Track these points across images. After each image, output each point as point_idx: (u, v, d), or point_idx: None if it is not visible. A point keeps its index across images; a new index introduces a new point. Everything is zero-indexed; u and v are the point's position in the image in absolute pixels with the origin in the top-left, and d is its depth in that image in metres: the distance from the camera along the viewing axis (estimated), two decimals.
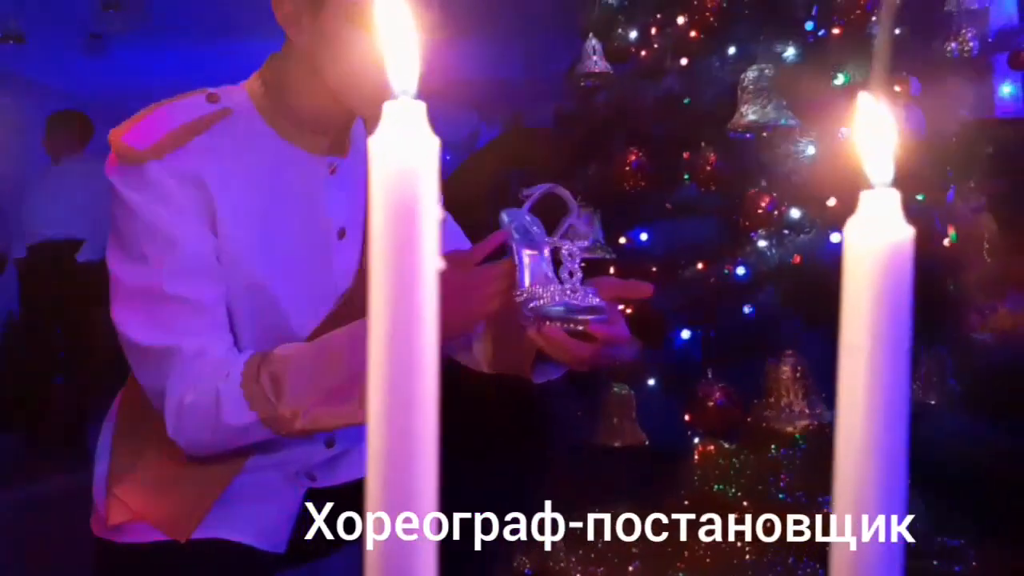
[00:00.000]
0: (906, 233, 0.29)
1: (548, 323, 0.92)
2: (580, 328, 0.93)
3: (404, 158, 0.26)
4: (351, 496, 1.21)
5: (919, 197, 1.89)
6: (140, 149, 1.00)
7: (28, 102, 5.86)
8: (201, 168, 1.02)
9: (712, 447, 2.01)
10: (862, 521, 0.28)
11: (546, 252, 0.97)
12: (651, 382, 2.20)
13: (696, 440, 2.00)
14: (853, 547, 0.27)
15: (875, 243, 0.28)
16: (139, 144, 1.00)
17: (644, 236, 2.31)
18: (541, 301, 0.93)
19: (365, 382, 0.85)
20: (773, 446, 1.88)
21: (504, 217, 0.99)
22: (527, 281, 0.95)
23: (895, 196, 0.29)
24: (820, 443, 1.89)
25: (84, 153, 4.13)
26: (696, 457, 2.02)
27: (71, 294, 3.87)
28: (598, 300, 0.97)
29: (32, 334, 4.23)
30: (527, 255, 0.96)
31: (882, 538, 0.27)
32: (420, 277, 0.26)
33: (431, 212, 0.27)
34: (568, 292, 0.94)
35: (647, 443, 2.05)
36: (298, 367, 0.97)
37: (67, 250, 3.97)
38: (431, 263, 0.27)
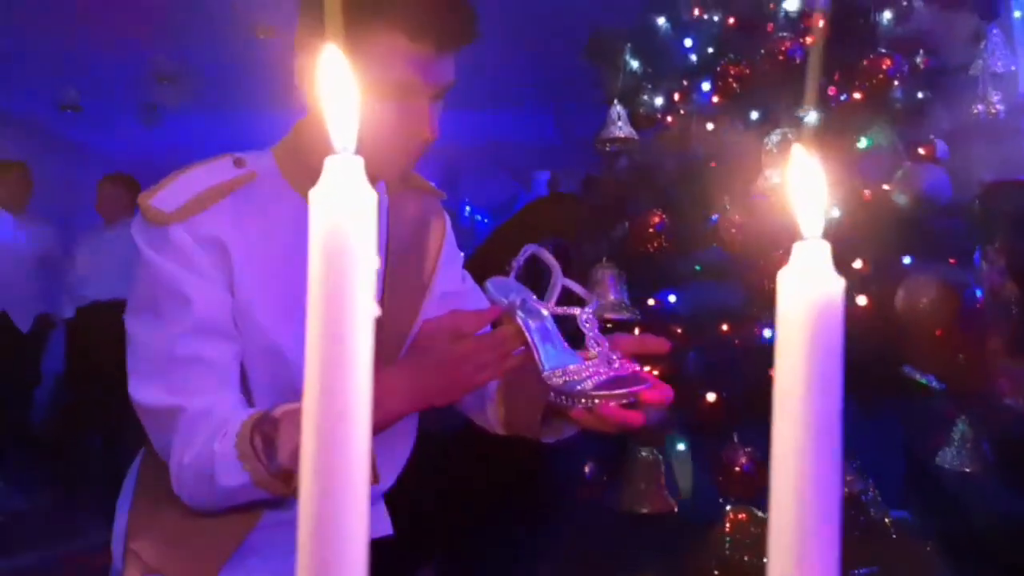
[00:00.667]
0: (837, 284, 0.29)
1: (597, 400, 0.90)
2: (633, 400, 0.91)
3: (340, 210, 0.27)
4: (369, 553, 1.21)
5: (951, 260, 1.87)
6: (167, 212, 1.03)
7: (83, 167, 6.11)
8: (222, 231, 1.05)
9: (743, 514, 1.96)
10: (796, 562, 0.27)
11: (549, 322, 0.97)
12: (680, 447, 2.17)
13: (727, 507, 1.95)
14: None
15: (807, 294, 0.29)
16: (166, 207, 1.04)
17: (672, 298, 2.31)
18: (585, 382, 0.91)
19: None
20: None
21: (490, 287, 0.98)
22: (546, 358, 0.94)
23: (826, 248, 0.30)
24: (854, 512, 1.83)
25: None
26: (727, 525, 1.97)
27: (116, 356, 3.94)
28: (633, 364, 0.97)
29: (75, 395, 4.31)
30: (536, 329, 0.95)
31: None
32: (353, 323, 0.27)
33: (366, 262, 0.28)
34: (604, 364, 0.93)
35: (676, 510, 2.01)
36: (289, 429, 0.96)
37: (115, 311, 4.06)
38: (365, 310, 0.28)
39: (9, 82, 5.25)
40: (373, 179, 1.13)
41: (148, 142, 5.97)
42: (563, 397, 0.92)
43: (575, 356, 0.95)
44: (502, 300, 0.95)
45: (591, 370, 0.92)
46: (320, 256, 0.27)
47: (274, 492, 0.98)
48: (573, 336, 0.96)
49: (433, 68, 1.02)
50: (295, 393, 1.10)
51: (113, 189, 4.32)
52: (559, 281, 0.97)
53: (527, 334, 0.94)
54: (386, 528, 1.22)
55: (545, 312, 0.96)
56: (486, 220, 7.96)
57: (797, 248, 0.30)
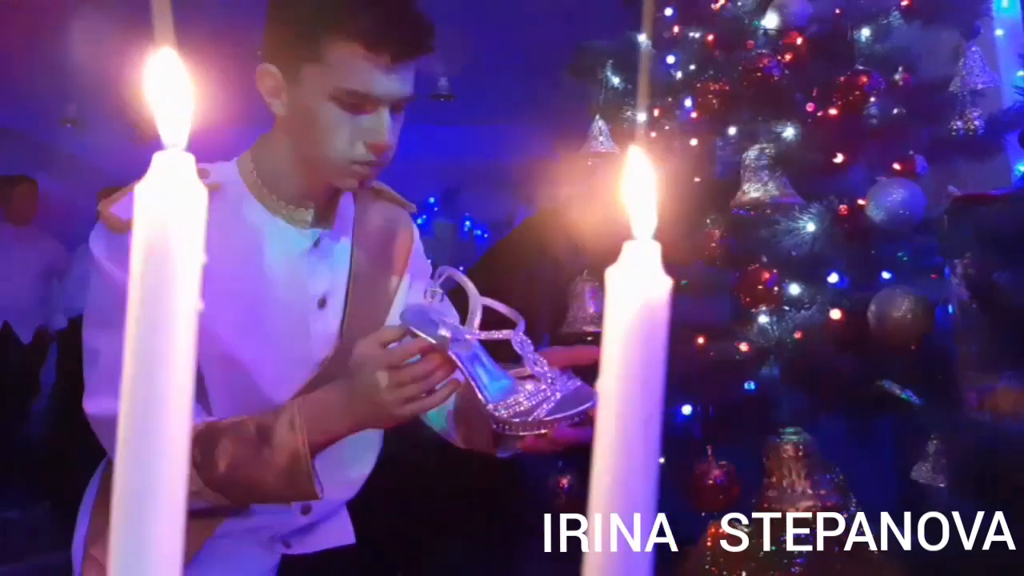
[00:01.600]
0: (664, 284, 0.29)
1: (549, 426, 0.89)
2: (584, 417, 0.90)
3: (165, 206, 0.28)
4: (326, 564, 1.21)
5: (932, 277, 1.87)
6: (124, 219, 1.04)
7: (79, 181, 6.14)
8: None
9: (722, 529, 1.95)
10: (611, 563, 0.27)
11: (478, 348, 0.94)
12: (660, 460, 2.16)
13: (709, 521, 1.94)
14: None
15: (634, 292, 0.29)
16: (124, 214, 1.05)
17: None
18: (537, 410, 0.89)
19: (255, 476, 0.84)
20: (787, 530, 1.82)
21: (409, 319, 0.94)
22: (486, 391, 0.92)
23: (656, 248, 0.30)
24: (835, 527, 1.82)
25: None
26: (708, 540, 1.96)
27: None
28: (574, 378, 0.96)
29: (65, 404, 4.32)
30: (467, 360, 0.93)
31: None
32: (174, 317, 0.28)
33: (191, 257, 0.28)
34: (549, 386, 0.91)
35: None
36: (227, 445, 0.98)
37: None
38: (188, 304, 0.28)
39: (10, 96, 5.30)
40: (331, 189, 1.13)
41: (143, 161, 5.98)
42: (508, 427, 0.91)
43: (510, 379, 0.94)
44: (432, 334, 0.91)
45: (539, 396, 0.91)
46: (142, 251, 0.28)
47: (212, 502, 0.99)
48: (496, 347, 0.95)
49: (389, 78, 1.03)
50: (255, 395, 1.11)
51: None
52: (478, 305, 0.95)
53: (463, 369, 0.93)
54: (348, 537, 1.22)
55: (469, 337, 0.94)
56: (486, 235, 8.00)
57: (626, 247, 0.30)
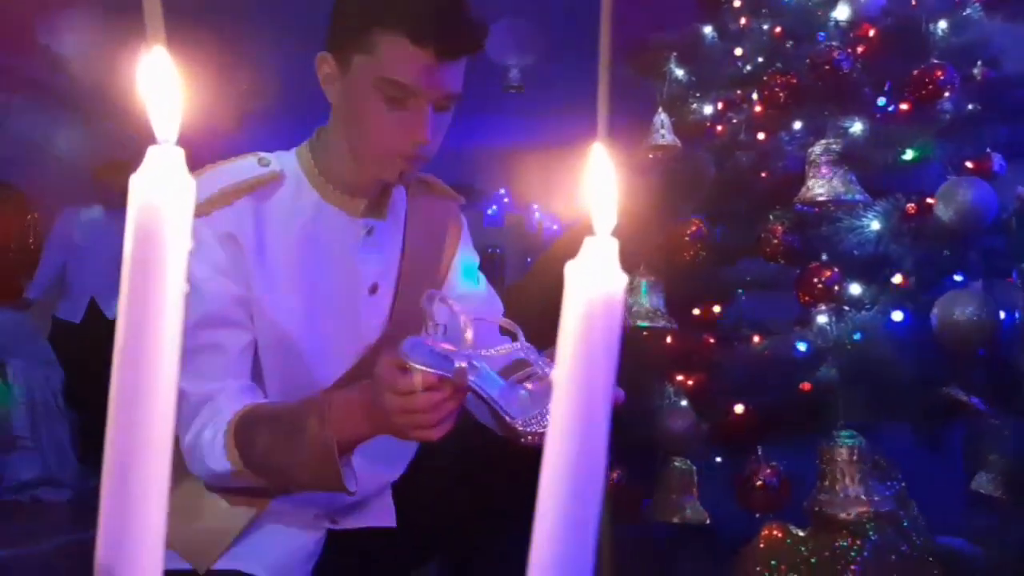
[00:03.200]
0: (619, 281, 0.30)
1: None
2: None
3: (156, 195, 0.30)
4: (371, 541, 1.25)
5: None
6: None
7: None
8: (239, 229, 1.10)
9: (779, 532, 1.92)
10: (557, 552, 0.29)
11: (483, 368, 0.93)
12: (718, 459, 2.13)
13: (762, 523, 1.92)
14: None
15: (590, 287, 0.30)
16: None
17: (716, 308, 2.28)
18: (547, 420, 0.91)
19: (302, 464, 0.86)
20: (842, 535, 1.78)
21: (411, 356, 0.89)
22: (509, 408, 0.92)
23: (614, 244, 0.31)
24: (890, 533, 1.77)
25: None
26: (761, 542, 1.93)
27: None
28: None
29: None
30: (484, 384, 0.93)
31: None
32: (162, 301, 0.30)
33: (178, 243, 0.30)
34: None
35: (708, 522, 1.98)
36: (264, 431, 1.01)
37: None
38: (175, 289, 0.30)
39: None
40: (374, 181, 1.16)
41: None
42: (539, 439, 0.91)
43: (519, 387, 0.94)
44: (447, 368, 0.89)
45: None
46: (134, 237, 0.30)
47: (253, 482, 1.03)
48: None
49: (433, 74, 1.05)
50: (306, 378, 1.15)
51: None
52: (468, 323, 0.91)
53: (483, 394, 0.93)
54: (389, 519, 1.25)
55: (480, 363, 0.92)
56: (555, 226, 8.00)
57: (587, 243, 0.31)
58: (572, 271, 0.31)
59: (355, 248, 1.19)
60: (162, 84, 0.31)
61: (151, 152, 0.31)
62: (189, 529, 1.16)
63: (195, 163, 0.31)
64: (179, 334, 0.31)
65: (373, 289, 1.21)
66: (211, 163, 1.13)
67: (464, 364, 0.89)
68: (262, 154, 1.18)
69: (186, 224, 0.31)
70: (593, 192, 0.32)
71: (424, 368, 0.88)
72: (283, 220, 1.15)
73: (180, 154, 0.31)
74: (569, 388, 0.29)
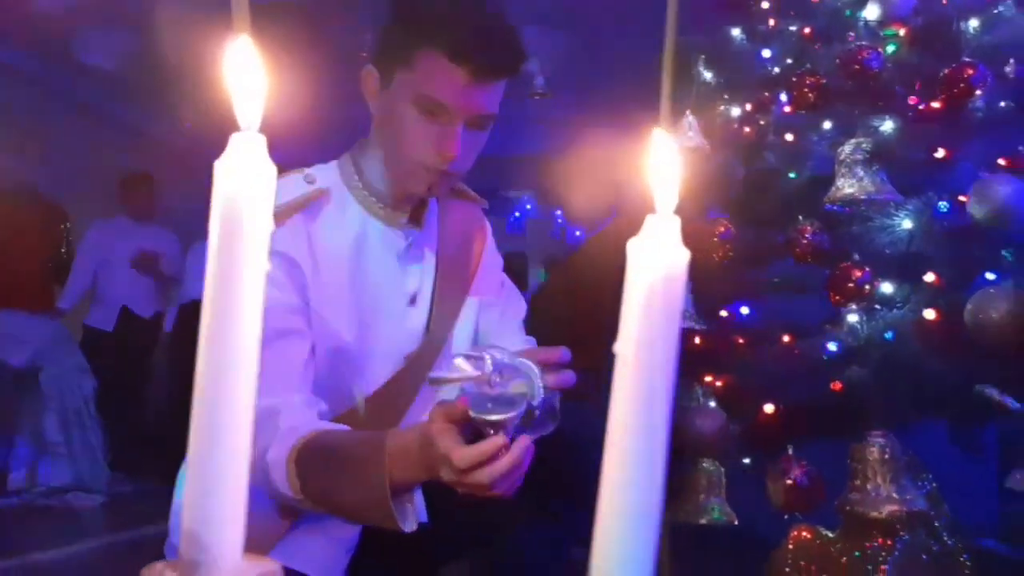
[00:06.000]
0: (682, 256, 0.31)
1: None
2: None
3: (239, 180, 0.32)
4: (405, 539, 1.26)
5: None
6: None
7: (193, 178, 6.45)
8: (294, 248, 1.13)
9: (808, 532, 1.92)
10: (622, 525, 0.30)
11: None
12: (746, 460, 2.13)
13: (791, 524, 1.91)
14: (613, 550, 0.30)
15: (654, 263, 0.31)
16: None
17: (745, 309, 2.28)
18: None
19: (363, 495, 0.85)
20: (872, 535, 1.77)
21: (476, 407, 0.91)
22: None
23: (676, 222, 0.32)
24: (921, 533, 1.76)
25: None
26: (790, 543, 1.92)
27: None
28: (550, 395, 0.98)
29: (180, 390, 4.56)
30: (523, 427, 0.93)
31: (635, 550, 0.29)
32: (246, 282, 0.32)
33: (261, 224, 0.32)
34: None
35: (736, 523, 1.98)
36: (318, 466, 1.02)
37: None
38: (257, 269, 0.32)
39: (131, 96, 5.62)
40: (406, 193, 1.18)
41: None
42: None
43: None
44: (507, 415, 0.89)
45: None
46: (219, 220, 0.32)
47: (313, 510, 1.05)
48: None
49: (468, 92, 1.07)
50: (351, 385, 1.17)
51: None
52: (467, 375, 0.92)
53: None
54: (422, 515, 1.27)
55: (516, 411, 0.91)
56: (579, 232, 7.98)
57: (649, 220, 0.32)
58: (634, 249, 0.32)
59: (397, 260, 1.22)
60: (246, 72, 0.33)
61: (234, 138, 0.33)
62: None
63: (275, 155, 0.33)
64: (261, 313, 0.32)
65: (412, 300, 1.23)
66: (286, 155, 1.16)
67: (515, 412, 0.89)
68: (307, 170, 1.21)
69: (267, 207, 0.32)
70: (655, 173, 0.33)
71: (490, 417, 0.88)
72: (333, 236, 1.17)
73: (262, 140, 0.33)
74: (633, 364, 0.31)
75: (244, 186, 0.32)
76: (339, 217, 1.19)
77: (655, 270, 0.31)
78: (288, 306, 1.12)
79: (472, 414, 0.89)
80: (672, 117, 2.02)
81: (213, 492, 0.31)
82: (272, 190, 0.33)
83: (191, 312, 4.36)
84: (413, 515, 1.03)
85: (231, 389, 0.32)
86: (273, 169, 0.33)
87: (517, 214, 8.23)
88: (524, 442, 0.90)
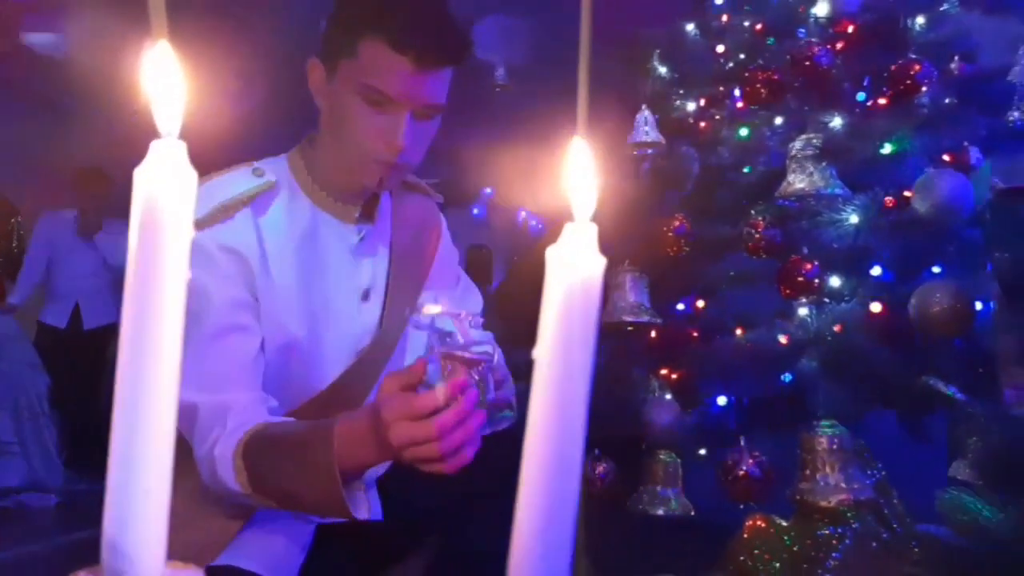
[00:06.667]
0: (598, 265, 0.32)
1: None
2: None
3: (158, 187, 0.32)
4: (359, 534, 1.26)
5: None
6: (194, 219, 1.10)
7: None
8: (242, 242, 1.11)
9: (763, 522, 1.95)
10: (540, 524, 0.31)
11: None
12: (702, 451, 2.16)
13: (748, 514, 1.94)
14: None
15: (571, 270, 0.32)
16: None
17: (700, 303, 2.31)
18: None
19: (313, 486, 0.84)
20: (823, 523, 1.81)
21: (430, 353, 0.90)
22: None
23: (593, 229, 0.33)
24: (870, 521, 1.81)
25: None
26: (745, 532, 1.96)
27: None
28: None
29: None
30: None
31: (552, 549, 0.30)
32: (164, 285, 0.32)
33: (181, 233, 0.32)
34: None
35: (693, 513, 2.01)
36: (272, 456, 1.01)
37: None
38: (177, 276, 0.32)
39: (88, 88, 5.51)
40: (356, 187, 1.17)
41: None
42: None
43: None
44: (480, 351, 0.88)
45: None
46: (138, 228, 0.32)
47: (263, 503, 1.04)
48: None
49: (413, 82, 1.06)
50: (303, 381, 1.17)
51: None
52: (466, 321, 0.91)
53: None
54: (376, 512, 1.27)
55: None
56: (539, 224, 8.02)
57: (567, 228, 0.33)
58: (552, 256, 0.32)
59: (349, 255, 1.21)
60: (165, 78, 0.33)
61: (154, 146, 0.32)
62: (185, 535, 1.17)
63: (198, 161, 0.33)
64: (182, 322, 0.32)
65: (365, 296, 1.22)
66: (212, 161, 1.14)
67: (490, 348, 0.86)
68: (256, 164, 1.19)
69: (188, 215, 0.32)
70: (572, 181, 0.33)
71: (461, 354, 0.85)
72: (282, 230, 1.16)
73: (182, 147, 0.33)
74: (549, 369, 0.31)
75: (164, 193, 0.32)
76: (289, 211, 1.17)
77: (572, 277, 0.32)
78: (236, 301, 1.11)
79: (440, 351, 0.86)
80: (628, 114, 2.04)
81: (134, 500, 0.31)
82: (193, 196, 0.33)
83: None
84: (365, 503, 1.02)
85: (151, 395, 0.32)
86: (194, 175, 0.33)
87: (478, 210, 8.23)
88: (471, 395, 0.87)
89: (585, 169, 0.33)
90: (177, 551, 0.99)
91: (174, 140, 0.33)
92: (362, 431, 0.94)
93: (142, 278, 0.32)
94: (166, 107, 0.33)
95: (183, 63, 0.34)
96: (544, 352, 0.31)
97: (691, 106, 2.26)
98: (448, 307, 0.92)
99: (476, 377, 0.88)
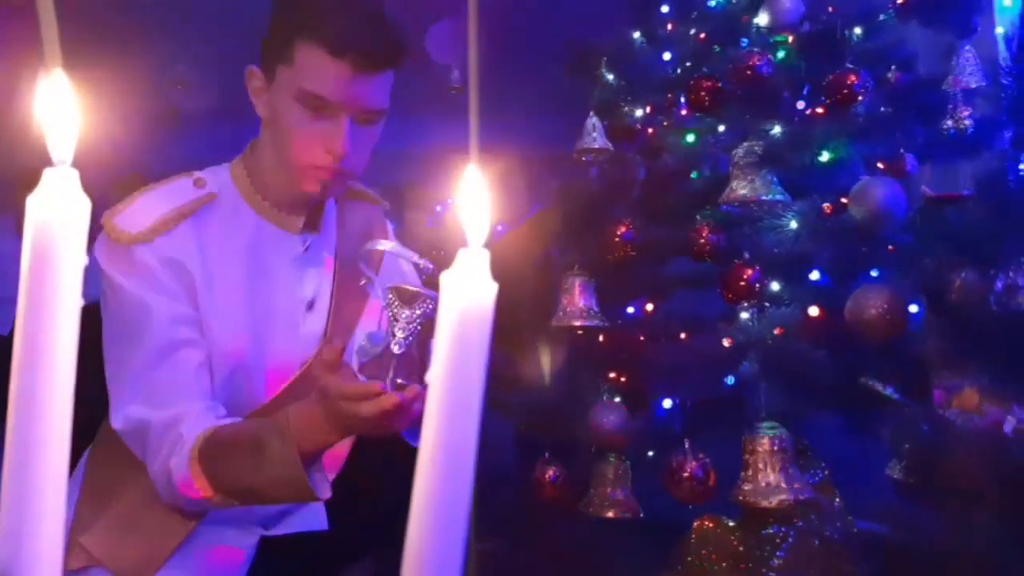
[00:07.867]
0: (490, 290, 0.33)
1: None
2: None
3: (51, 215, 0.32)
4: (303, 545, 1.26)
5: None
6: (131, 232, 1.09)
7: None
8: (183, 253, 1.10)
9: (711, 523, 1.98)
10: (431, 535, 0.31)
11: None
12: (650, 454, 2.19)
13: (697, 515, 1.97)
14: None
15: (464, 295, 0.33)
16: (130, 227, 1.09)
17: (649, 307, 2.33)
18: None
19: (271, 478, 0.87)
20: (768, 523, 1.85)
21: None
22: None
23: (487, 256, 0.34)
24: (813, 520, 1.85)
25: None
26: (693, 534, 1.99)
27: None
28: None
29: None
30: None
31: (443, 559, 0.31)
32: (56, 312, 0.32)
33: (74, 261, 0.32)
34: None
35: (643, 515, 2.03)
36: (230, 456, 1.02)
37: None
38: (69, 300, 0.32)
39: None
40: (303, 195, 1.17)
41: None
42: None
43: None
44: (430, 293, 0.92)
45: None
46: (30, 255, 0.32)
47: (224, 506, 1.04)
48: None
49: (351, 87, 1.07)
50: (248, 391, 1.16)
51: None
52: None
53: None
54: (322, 522, 1.26)
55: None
56: (499, 227, 8.01)
57: (460, 254, 0.34)
58: (447, 280, 0.33)
59: (293, 265, 1.21)
60: (58, 106, 0.33)
61: (47, 173, 0.33)
62: (125, 547, 1.15)
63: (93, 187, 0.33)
64: (75, 348, 0.32)
65: (309, 306, 1.22)
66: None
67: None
68: (197, 174, 1.18)
69: (81, 242, 0.33)
70: (466, 208, 0.34)
71: (408, 287, 0.90)
72: (224, 241, 1.15)
73: (75, 175, 0.33)
74: (443, 388, 0.32)
75: (57, 221, 0.32)
76: (231, 222, 1.17)
77: (465, 302, 0.33)
78: (179, 316, 1.10)
79: (399, 285, 0.92)
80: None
81: (26, 532, 0.31)
82: (86, 224, 0.33)
83: (92, 314, 4.20)
84: (324, 482, 1.03)
85: (44, 421, 0.32)
86: (87, 203, 0.33)
87: (438, 208, 8.20)
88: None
89: (478, 197, 0.34)
90: (114, 564, 0.99)
91: (67, 168, 0.33)
92: (317, 415, 0.96)
93: (35, 305, 0.32)
94: (59, 134, 0.33)
95: (79, 90, 0.34)
96: (439, 374, 0.32)
97: (639, 112, 2.29)
98: (399, 249, 0.98)
99: (419, 311, 0.92)
